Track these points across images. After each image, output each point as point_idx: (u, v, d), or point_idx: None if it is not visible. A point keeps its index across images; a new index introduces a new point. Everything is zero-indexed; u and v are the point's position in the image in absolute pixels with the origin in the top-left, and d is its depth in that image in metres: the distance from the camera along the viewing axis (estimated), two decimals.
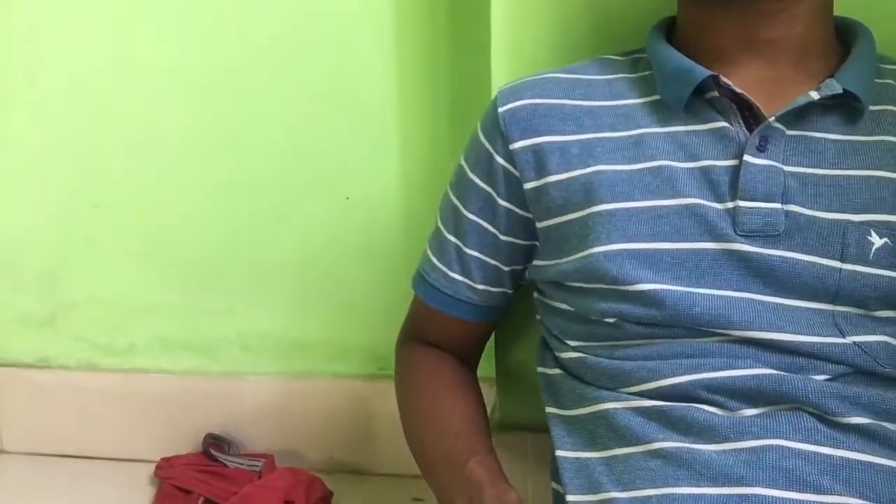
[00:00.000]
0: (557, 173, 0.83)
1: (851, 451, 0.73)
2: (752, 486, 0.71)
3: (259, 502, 1.18)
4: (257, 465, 1.28)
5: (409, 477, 1.23)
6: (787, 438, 0.73)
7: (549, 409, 0.87)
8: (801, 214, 0.76)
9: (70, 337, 1.35)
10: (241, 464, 1.28)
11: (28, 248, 1.33)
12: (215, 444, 1.31)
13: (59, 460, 1.36)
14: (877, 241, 0.75)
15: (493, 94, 0.91)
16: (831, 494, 0.71)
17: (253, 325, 1.32)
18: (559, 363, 0.87)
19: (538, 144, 0.84)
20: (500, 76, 1.00)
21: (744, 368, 0.75)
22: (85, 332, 1.35)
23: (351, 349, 1.31)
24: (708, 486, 0.72)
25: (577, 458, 0.80)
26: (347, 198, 1.25)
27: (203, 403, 1.33)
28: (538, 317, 0.93)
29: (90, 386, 1.35)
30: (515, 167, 0.85)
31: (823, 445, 0.73)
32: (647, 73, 0.86)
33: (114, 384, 1.35)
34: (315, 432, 1.32)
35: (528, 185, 0.85)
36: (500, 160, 0.86)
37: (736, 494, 0.71)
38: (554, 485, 0.85)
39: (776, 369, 0.75)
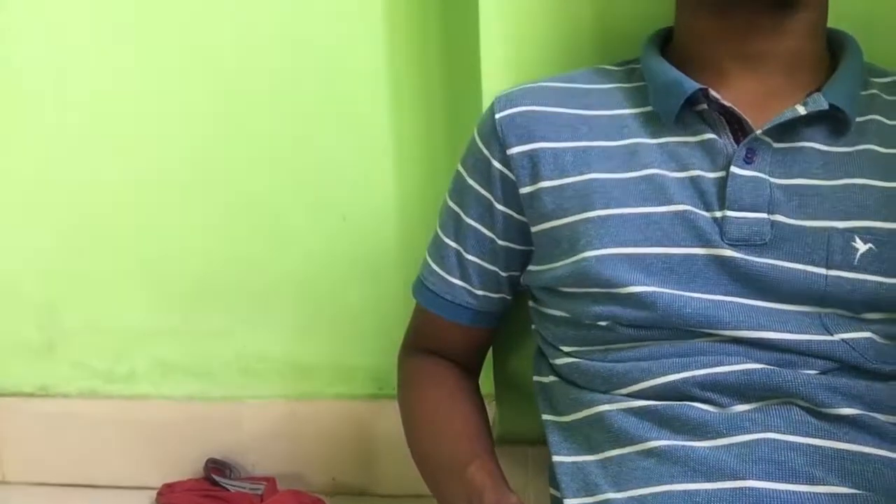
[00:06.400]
0: (551, 179, 0.84)
1: (842, 441, 0.73)
2: (745, 479, 0.71)
3: None
4: (259, 489, 1.27)
5: (412, 497, 1.22)
6: (778, 431, 0.73)
7: (545, 417, 0.87)
8: (787, 224, 0.77)
9: (69, 364, 1.35)
10: (243, 488, 1.27)
11: (25, 276, 1.33)
12: (217, 468, 1.30)
13: (60, 489, 1.35)
14: (861, 246, 0.76)
15: (485, 107, 0.92)
16: (824, 485, 0.71)
17: (252, 347, 1.32)
18: (554, 370, 0.88)
19: (534, 150, 0.85)
20: (492, 92, 1.01)
21: (733, 364, 0.76)
22: (84, 359, 1.35)
23: (352, 370, 1.31)
24: (702, 481, 0.73)
25: (574, 463, 0.81)
26: (344, 218, 1.25)
27: (204, 428, 1.32)
28: (533, 326, 0.93)
29: (90, 413, 1.34)
30: (512, 172, 0.86)
31: (815, 437, 0.73)
32: (640, 83, 0.87)
33: (114, 411, 1.34)
34: (317, 455, 1.31)
35: (524, 190, 0.86)
36: (497, 165, 0.87)
37: (730, 488, 0.72)
38: (552, 490, 0.85)
39: (766, 365, 0.76)
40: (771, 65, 0.81)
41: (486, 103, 1.00)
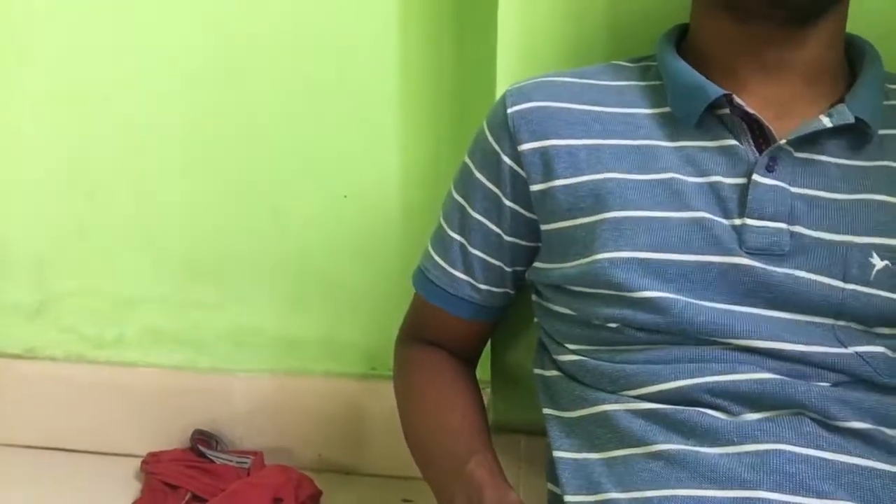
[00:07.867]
0: (565, 177, 0.83)
1: (852, 455, 0.73)
2: (756, 489, 0.71)
3: (248, 499, 1.17)
4: (246, 462, 1.27)
5: (399, 478, 1.23)
6: (789, 443, 0.73)
7: (546, 411, 0.87)
8: (806, 235, 0.77)
9: (58, 328, 1.34)
10: (230, 460, 1.27)
11: (18, 237, 1.32)
12: (203, 440, 1.30)
13: (44, 453, 1.34)
14: (878, 262, 0.76)
15: (497, 90, 0.91)
16: (832, 499, 0.71)
17: (245, 320, 1.31)
18: (557, 365, 0.87)
19: (546, 147, 0.84)
20: (506, 73, 1.00)
21: (746, 373, 0.76)
22: (73, 323, 1.34)
23: (344, 348, 1.30)
24: (711, 488, 0.72)
25: (576, 459, 0.80)
26: (345, 196, 1.24)
27: (192, 398, 1.31)
28: (535, 320, 0.92)
29: (77, 378, 1.33)
30: (523, 168, 0.85)
31: (825, 450, 0.73)
32: (656, 82, 0.86)
33: (102, 377, 1.33)
34: (305, 431, 1.31)
35: (535, 188, 0.85)
36: (507, 161, 0.86)
37: (739, 497, 0.71)
38: (550, 486, 0.85)
39: (779, 375, 0.75)
40: (791, 74, 0.81)
41: (499, 91, 0.99)
